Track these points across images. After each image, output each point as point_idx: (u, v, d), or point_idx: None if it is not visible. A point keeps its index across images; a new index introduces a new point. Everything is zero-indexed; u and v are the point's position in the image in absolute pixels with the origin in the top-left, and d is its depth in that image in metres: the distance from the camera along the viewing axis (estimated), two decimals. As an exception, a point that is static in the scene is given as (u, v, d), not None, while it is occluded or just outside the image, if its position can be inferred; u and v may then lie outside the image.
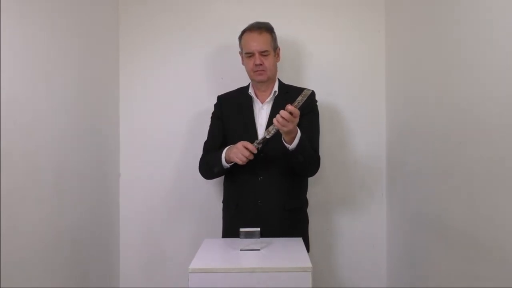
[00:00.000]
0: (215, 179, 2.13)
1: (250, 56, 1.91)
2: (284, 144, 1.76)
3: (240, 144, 1.77)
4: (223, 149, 1.87)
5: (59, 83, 1.72)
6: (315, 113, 1.96)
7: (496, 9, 1.32)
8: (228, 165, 1.85)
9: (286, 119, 1.64)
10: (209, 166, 1.92)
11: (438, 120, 1.69)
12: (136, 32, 2.33)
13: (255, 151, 1.76)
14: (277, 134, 1.76)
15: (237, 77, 2.10)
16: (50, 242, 1.64)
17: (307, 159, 1.81)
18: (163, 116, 2.33)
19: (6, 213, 1.37)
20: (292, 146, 1.73)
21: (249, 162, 1.78)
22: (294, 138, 1.73)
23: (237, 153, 1.76)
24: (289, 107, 1.64)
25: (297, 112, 1.65)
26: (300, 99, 1.68)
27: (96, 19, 2.10)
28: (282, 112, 1.64)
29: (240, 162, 1.76)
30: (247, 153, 1.74)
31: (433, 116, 1.74)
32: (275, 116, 1.86)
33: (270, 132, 1.74)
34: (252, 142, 1.85)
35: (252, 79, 1.97)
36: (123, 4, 2.33)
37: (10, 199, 1.39)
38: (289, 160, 1.80)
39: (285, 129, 1.67)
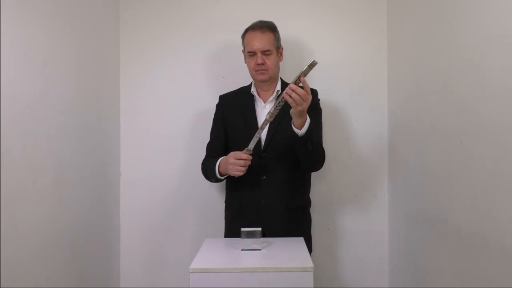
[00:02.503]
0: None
1: (252, 55, 1.89)
2: (290, 135, 1.73)
3: (232, 158, 1.76)
4: (218, 159, 1.86)
5: (59, 82, 1.72)
6: (318, 110, 1.95)
7: (499, 7, 1.31)
8: (223, 178, 1.86)
9: (300, 95, 1.59)
10: (208, 176, 1.94)
11: (440, 119, 1.69)
12: (136, 31, 2.32)
13: (250, 158, 1.75)
14: (281, 133, 1.74)
15: (238, 76, 2.10)
16: (50, 242, 1.63)
17: (315, 147, 1.79)
18: (164, 116, 2.32)
19: (6, 213, 1.37)
20: (302, 131, 1.70)
21: (250, 166, 1.77)
22: (304, 122, 1.70)
23: (233, 168, 1.75)
24: (301, 78, 1.60)
25: (307, 85, 1.61)
26: (307, 70, 1.61)
27: (97, 18, 2.09)
28: (297, 89, 1.59)
29: (241, 174, 1.76)
30: (242, 163, 1.74)
31: (435, 115, 1.74)
32: (276, 116, 1.85)
33: (273, 115, 1.69)
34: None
35: (253, 78, 1.96)
36: (123, 3, 2.32)
37: (10, 199, 1.39)
38: (297, 149, 1.77)
39: (299, 108, 1.63)
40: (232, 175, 1.80)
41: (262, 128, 1.74)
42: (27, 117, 1.50)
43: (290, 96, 1.61)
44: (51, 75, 1.66)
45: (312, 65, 1.61)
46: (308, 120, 1.71)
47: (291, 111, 1.66)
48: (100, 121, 2.12)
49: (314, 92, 1.99)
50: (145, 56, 2.32)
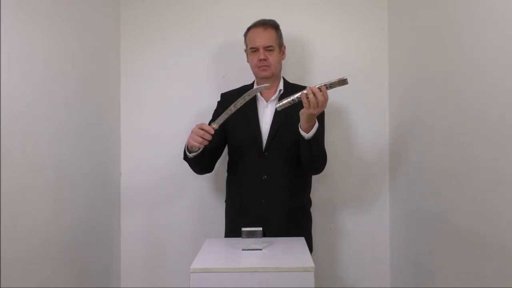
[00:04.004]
0: (216, 177, 2.12)
1: (254, 51, 1.89)
2: (294, 136, 1.72)
3: (196, 127, 1.73)
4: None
5: (60, 82, 1.71)
6: (321, 113, 1.94)
7: (500, 6, 1.31)
8: (191, 155, 1.80)
9: (317, 100, 1.58)
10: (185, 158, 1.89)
11: (441, 119, 1.68)
12: (137, 31, 2.32)
13: (212, 132, 1.71)
14: (282, 133, 1.72)
15: (239, 75, 2.10)
16: (50, 242, 1.63)
17: (319, 151, 1.79)
18: (165, 115, 2.32)
19: (6, 213, 1.36)
20: (309, 135, 1.70)
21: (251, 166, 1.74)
22: (312, 127, 1.69)
23: (193, 136, 1.72)
24: (323, 87, 1.60)
25: (327, 96, 1.61)
26: (335, 84, 1.61)
27: (97, 18, 2.09)
28: (318, 93, 1.59)
29: (197, 145, 1.72)
30: (201, 133, 1.69)
31: (436, 115, 1.73)
32: (279, 115, 1.85)
33: (282, 106, 1.65)
34: (256, 142, 1.83)
35: (256, 75, 1.96)
36: (124, 3, 2.32)
37: (10, 199, 1.38)
38: (301, 152, 1.77)
39: (311, 110, 1.62)
40: (190, 146, 1.74)
41: (241, 102, 1.69)
42: (27, 117, 1.49)
43: (307, 97, 1.60)
44: (51, 75, 1.66)
45: (343, 82, 1.61)
46: (316, 125, 1.71)
47: (301, 111, 1.66)
48: (100, 121, 2.12)
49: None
50: (145, 56, 2.32)
